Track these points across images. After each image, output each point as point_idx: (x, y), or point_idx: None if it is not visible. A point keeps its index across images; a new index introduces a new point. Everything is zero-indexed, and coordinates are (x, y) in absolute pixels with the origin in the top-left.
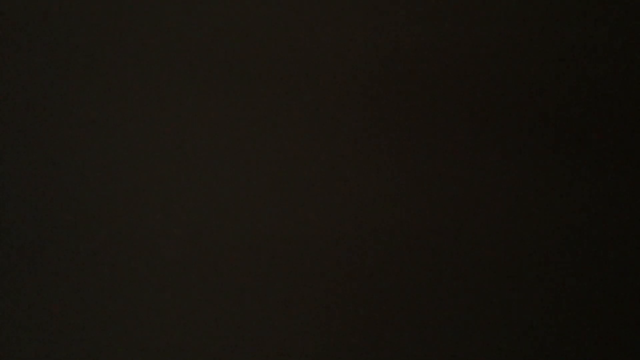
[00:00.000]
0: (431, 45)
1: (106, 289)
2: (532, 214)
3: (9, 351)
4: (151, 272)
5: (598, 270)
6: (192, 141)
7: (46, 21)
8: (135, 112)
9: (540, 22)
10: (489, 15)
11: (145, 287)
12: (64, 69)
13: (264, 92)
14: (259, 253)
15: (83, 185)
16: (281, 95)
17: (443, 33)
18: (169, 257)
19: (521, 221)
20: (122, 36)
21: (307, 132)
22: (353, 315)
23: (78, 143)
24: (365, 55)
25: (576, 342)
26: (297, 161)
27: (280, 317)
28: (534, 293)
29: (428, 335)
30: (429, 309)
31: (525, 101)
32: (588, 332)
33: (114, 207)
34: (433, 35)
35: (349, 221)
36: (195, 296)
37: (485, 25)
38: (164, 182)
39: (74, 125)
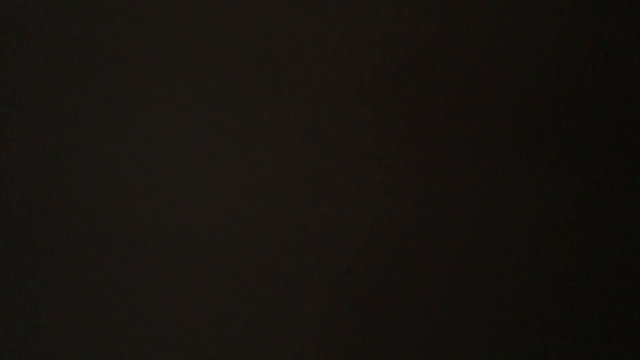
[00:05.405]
0: (433, 46)
1: (106, 288)
2: (534, 215)
3: (9, 351)
4: (151, 271)
5: (598, 269)
6: (194, 142)
7: (46, 21)
8: (135, 112)
9: (540, 23)
10: (491, 16)
11: (144, 287)
12: (64, 68)
13: (265, 91)
14: (260, 253)
15: (83, 185)
16: (281, 96)
17: (446, 34)
18: (170, 257)
19: (522, 221)
20: (121, 36)
21: (306, 133)
22: (353, 315)
23: (78, 143)
24: (366, 55)
25: (576, 341)
26: (295, 162)
27: (280, 317)
28: (534, 293)
29: (428, 334)
30: (429, 309)
31: (527, 102)
32: (588, 332)
33: (113, 206)
34: (436, 36)
35: (349, 220)
36: (194, 296)
37: (487, 26)
38: (164, 182)
39: (74, 126)
